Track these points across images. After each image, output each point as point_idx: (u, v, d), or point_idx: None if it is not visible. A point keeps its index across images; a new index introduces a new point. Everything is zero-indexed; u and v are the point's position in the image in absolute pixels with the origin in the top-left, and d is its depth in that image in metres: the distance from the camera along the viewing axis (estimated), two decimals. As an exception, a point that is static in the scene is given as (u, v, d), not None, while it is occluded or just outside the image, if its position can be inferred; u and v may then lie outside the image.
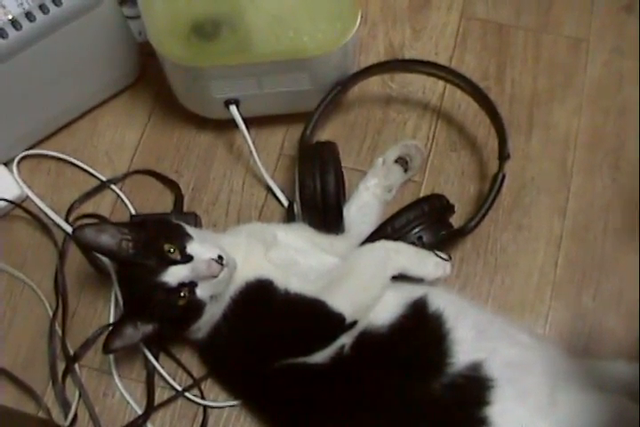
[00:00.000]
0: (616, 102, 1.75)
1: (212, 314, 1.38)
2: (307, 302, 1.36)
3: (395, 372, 1.34)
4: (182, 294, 1.30)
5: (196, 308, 1.34)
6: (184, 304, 1.32)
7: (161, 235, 1.34)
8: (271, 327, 1.38)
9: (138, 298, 1.34)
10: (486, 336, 1.37)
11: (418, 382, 1.32)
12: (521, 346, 1.39)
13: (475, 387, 1.31)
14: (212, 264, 1.30)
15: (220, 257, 1.32)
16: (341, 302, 1.36)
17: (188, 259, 1.31)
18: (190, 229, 1.38)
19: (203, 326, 1.40)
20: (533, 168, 1.68)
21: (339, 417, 1.36)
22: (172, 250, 1.31)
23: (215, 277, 1.31)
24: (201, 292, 1.32)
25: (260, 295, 1.39)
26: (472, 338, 1.35)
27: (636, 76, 1.77)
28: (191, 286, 1.31)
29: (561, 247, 1.62)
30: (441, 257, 1.45)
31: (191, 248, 1.33)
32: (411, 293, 1.41)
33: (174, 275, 1.30)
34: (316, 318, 1.37)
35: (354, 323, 1.36)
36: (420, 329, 1.37)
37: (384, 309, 1.38)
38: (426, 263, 1.44)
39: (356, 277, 1.40)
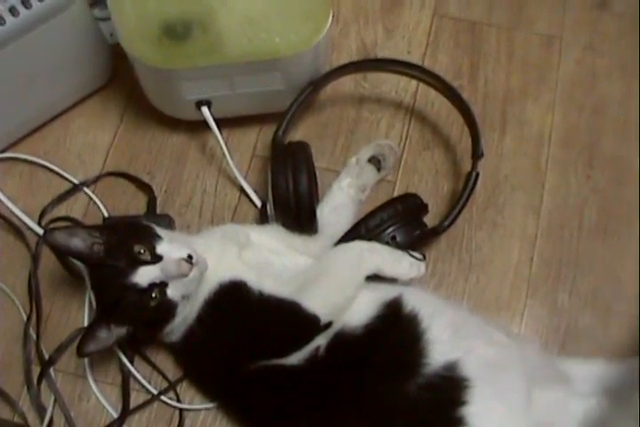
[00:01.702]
0: (589, 99, 1.76)
1: (186, 316, 1.38)
2: (281, 304, 1.36)
3: (370, 373, 1.34)
4: (153, 295, 1.30)
5: (168, 309, 1.33)
6: (155, 305, 1.31)
7: (131, 237, 1.34)
8: (245, 329, 1.38)
9: (109, 300, 1.33)
10: (462, 336, 1.37)
11: (393, 383, 1.32)
12: (497, 345, 1.39)
13: (451, 387, 1.31)
14: (182, 263, 1.30)
15: (190, 256, 1.31)
16: (315, 302, 1.35)
17: (157, 259, 1.31)
18: (160, 231, 1.37)
19: (177, 328, 1.39)
20: (507, 166, 1.69)
21: (314, 419, 1.36)
22: (141, 251, 1.31)
23: (185, 276, 1.30)
24: (172, 292, 1.32)
25: (233, 297, 1.38)
26: (447, 338, 1.35)
27: (610, 72, 1.78)
28: (162, 286, 1.31)
29: (536, 245, 1.63)
30: (415, 257, 1.45)
31: (161, 248, 1.32)
32: (386, 293, 1.40)
33: (144, 275, 1.30)
34: (290, 320, 1.36)
35: (329, 324, 1.35)
36: (396, 330, 1.37)
37: (359, 309, 1.38)
38: (400, 263, 1.44)
39: (329, 277, 1.40)
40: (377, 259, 1.42)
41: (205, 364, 1.45)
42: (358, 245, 1.44)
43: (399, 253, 1.44)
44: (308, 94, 1.58)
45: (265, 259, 1.43)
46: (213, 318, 1.38)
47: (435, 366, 1.31)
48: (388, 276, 1.43)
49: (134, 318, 1.33)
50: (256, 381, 1.38)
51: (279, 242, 1.48)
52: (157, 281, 1.30)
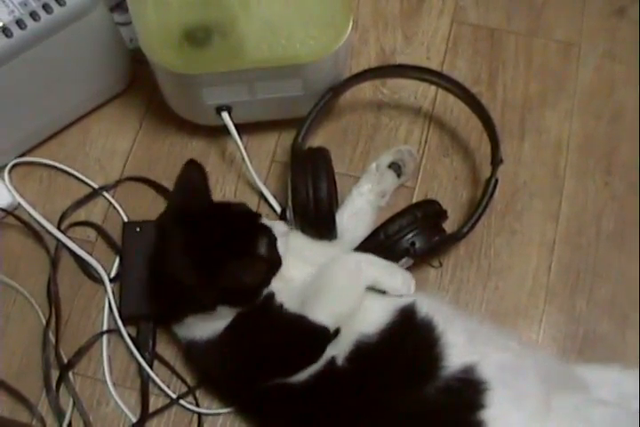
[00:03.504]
0: (608, 107, 1.76)
1: (221, 318, 1.38)
2: (292, 319, 1.36)
3: (388, 377, 1.34)
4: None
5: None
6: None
7: None
8: (263, 344, 1.38)
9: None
10: (477, 341, 1.37)
11: (413, 387, 1.32)
12: (511, 351, 1.39)
13: (469, 390, 1.30)
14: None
15: None
16: (322, 315, 1.34)
17: None
18: None
19: (208, 322, 1.39)
20: (526, 173, 1.69)
21: (334, 425, 1.36)
22: None
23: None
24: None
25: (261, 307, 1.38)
26: (463, 342, 1.35)
27: (629, 80, 1.78)
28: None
29: (554, 252, 1.62)
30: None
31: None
32: (398, 299, 1.40)
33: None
34: (301, 335, 1.36)
35: (337, 331, 1.35)
36: (412, 334, 1.37)
37: (373, 317, 1.37)
38: (395, 277, 1.43)
39: (331, 289, 1.38)
40: (374, 270, 1.42)
41: (224, 371, 1.45)
42: (355, 257, 1.44)
43: (394, 267, 1.45)
44: (328, 100, 1.59)
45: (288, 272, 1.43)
46: (241, 327, 1.38)
47: (453, 369, 1.31)
48: (383, 288, 1.41)
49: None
50: (273, 389, 1.38)
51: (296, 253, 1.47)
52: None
